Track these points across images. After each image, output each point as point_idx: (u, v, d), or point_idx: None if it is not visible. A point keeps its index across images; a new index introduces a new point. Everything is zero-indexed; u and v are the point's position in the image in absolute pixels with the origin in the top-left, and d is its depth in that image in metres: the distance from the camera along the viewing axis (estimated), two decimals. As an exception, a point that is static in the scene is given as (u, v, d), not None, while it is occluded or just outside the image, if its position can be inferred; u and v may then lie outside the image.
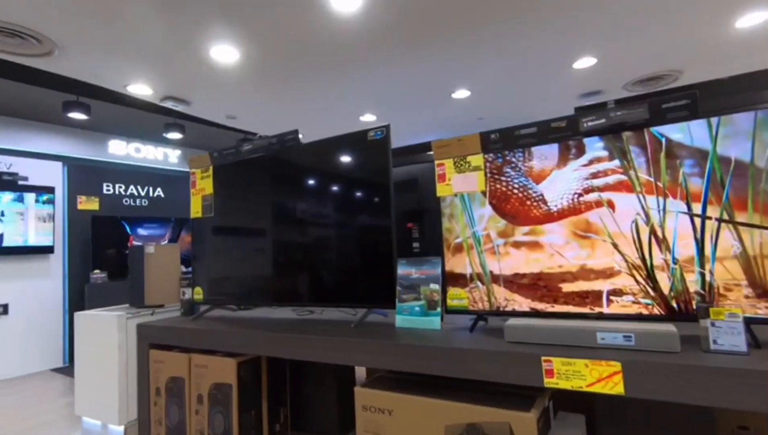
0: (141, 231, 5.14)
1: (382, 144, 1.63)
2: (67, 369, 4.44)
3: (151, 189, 5.64)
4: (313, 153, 1.82)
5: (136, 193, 5.47)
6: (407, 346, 1.26)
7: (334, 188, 1.74)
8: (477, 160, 1.41)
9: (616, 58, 3.42)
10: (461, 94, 4.11)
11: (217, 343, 1.76)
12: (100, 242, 4.74)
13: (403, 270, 1.54)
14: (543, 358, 1.03)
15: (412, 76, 3.61)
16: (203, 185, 2.30)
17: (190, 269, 2.34)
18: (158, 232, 5.33)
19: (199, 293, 2.22)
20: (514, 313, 1.30)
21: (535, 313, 1.27)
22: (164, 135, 5.18)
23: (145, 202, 5.56)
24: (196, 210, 2.30)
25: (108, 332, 2.12)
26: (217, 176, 2.24)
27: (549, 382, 1.02)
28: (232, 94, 3.79)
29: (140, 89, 3.55)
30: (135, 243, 5.06)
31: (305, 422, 2.04)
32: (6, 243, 4.17)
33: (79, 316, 2.32)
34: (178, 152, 5.96)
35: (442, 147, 1.48)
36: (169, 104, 3.88)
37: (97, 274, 4.58)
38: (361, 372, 2.29)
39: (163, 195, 5.77)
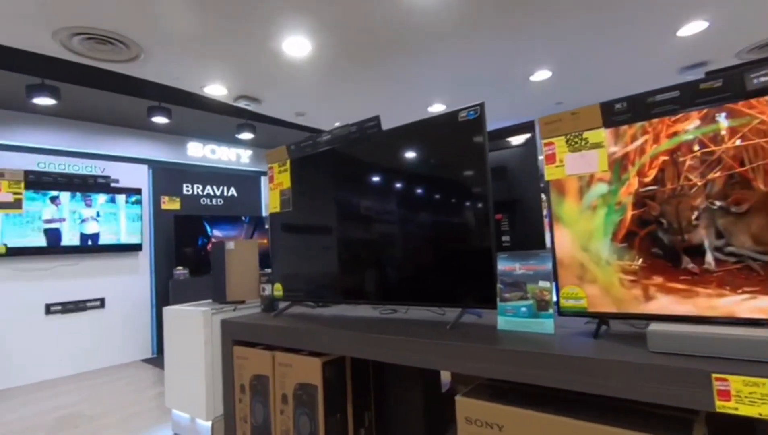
0: (217, 230, 5.39)
1: (475, 124, 1.47)
2: (156, 360, 4.75)
3: (225, 188, 5.90)
4: (397, 139, 1.71)
5: (212, 193, 5.75)
6: (522, 352, 1.10)
7: (422, 176, 1.62)
8: (596, 135, 1.21)
9: (733, 19, 2.96)
10: (541, 75, 3.82)
11: (301, 341, 1.70)
12: (182, 240, 5.03)
13: (504, 265, 1.38)
14: (714, 375, 0.82)
15: (488, 58, 3.39)
16: (281, 179, 2.28)
17: (268, 270, 2.34)
18: (233, 232, 5.56)
19: (278, 290, 2.20)
20: (651, 317, 1.09)
21: (680, 317, 1.05)
22: (237, 136, 5.39)
23: (220, 202, 5.82)
24: (274, 205, 2.29)
25: (194, 327, 2.17)
26: (295, 169, 2.21)
27: (724, 407, 0.81)
28: (301, 90, 3.82)
29: (216, 90, 3.67)
30: (213, 240, 5.31)
31: (390, 428, 1.94)
32: (102, 241, 4.54)
33: (167, 311, 2.42)
34: (249, 152, 6.19)
35: (552, 123, 1.29)
36: (242, 103, 4.00)
37: (180, 271, 4.86)
38: (444, 377, 2.15)
39: (236, 194, 6.02)
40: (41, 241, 4.15)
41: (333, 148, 1.98)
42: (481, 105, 1.47)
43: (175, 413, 2.34)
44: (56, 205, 4.26)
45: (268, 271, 2.77)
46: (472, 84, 3.97)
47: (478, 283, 1.43)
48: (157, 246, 5.12)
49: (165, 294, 5.01)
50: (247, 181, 6.21)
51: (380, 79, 3.68)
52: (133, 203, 4.81)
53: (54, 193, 4.25)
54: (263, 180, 6.47)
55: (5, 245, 3.94)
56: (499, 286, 1.38)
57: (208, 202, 5.70)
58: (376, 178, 1.77)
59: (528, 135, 1.85)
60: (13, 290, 4.05)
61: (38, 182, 4.18)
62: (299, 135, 6.99)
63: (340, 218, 1.94)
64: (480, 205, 1.44)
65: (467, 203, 1.48)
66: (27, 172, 4.12)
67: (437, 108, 4.56)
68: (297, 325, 1.77)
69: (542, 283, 1.28)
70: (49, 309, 4.24)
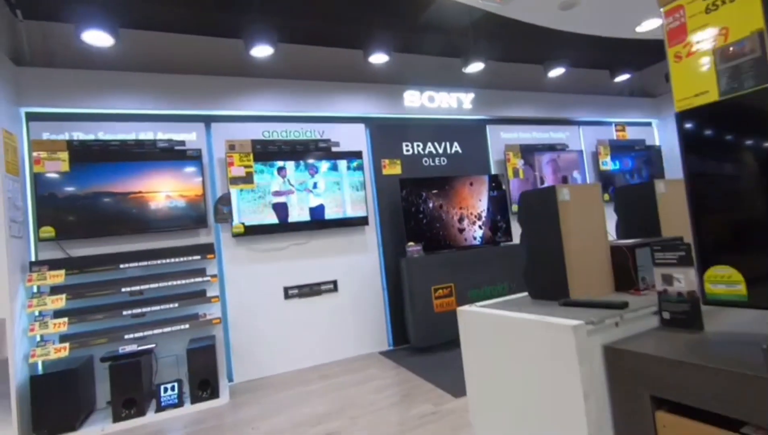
0: (446, 196, 4.53)
1: None
2: (394, 354, 4.21)
3: (448, 145, 5.02)
4: None
5: (434, 151, 4.93)
6: None
7: None
8: None
9: None
10: None
11: None
12: (411, 210, 4.32)
13: None
14: None
15: None
16: (720, 20, 1.02)
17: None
18: (470, 198, 4.63)
19: (722, 278, 0.98)
20: None
21: None
22: (463, 70, 4.39)
23: (443, 161, 4.97)
24: (694, 89, 1.06)
25: (549, 356, 1.13)
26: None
27: None
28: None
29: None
30: (438, 208, 4.47)
31: None
32: (328, 215, 4.16)
33: (465, 314, 1.48)
34: (471, 96, 5.14)
35: None
36: (489, 2, 2.88)
37: (413, 247, 4.17)
38: None
39: (460, 150, 5.08)
40: (272, 218, 3.94)
41: None
42: None
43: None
44: (282, 176, 4.01)
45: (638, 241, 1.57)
46: None
47: None
48: (383, 218, 4.56)
49: (396, 275, 4.43)
50: (471, 134, 5.21)
51: None
52: (354, 169, 4.31)
53: (280, 163, 4.00)
54: (489, 130, 5.35)
55: (243, 224, 3.82)
56: None
57: (431, 163, 4.90)
58: None
59: None
60: (254, 272, 3.97)
61: (264, 153, 3.97)
62: (528, 71, 5.62)
63: None
64: None
65: None
66: (254, 143, 3.94)
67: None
68: None
69: None
70: (287, 293, 4.06)
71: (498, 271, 4.49)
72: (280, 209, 4.00)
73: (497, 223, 4.79)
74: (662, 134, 6.85)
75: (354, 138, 4.50)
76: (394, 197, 4.54)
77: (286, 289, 4.06)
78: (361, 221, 4.33)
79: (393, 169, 4.68)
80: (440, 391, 3.06)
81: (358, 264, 4.41)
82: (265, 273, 4.01)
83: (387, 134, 4.72)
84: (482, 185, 4.79)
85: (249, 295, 3.93)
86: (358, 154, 4.36)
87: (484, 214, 4.72)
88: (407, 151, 4.80)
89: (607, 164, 6.12)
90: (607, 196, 6.04)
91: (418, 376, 3.43)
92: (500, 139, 5.43)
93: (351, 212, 4.28)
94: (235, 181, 3.81)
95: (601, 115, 6.26)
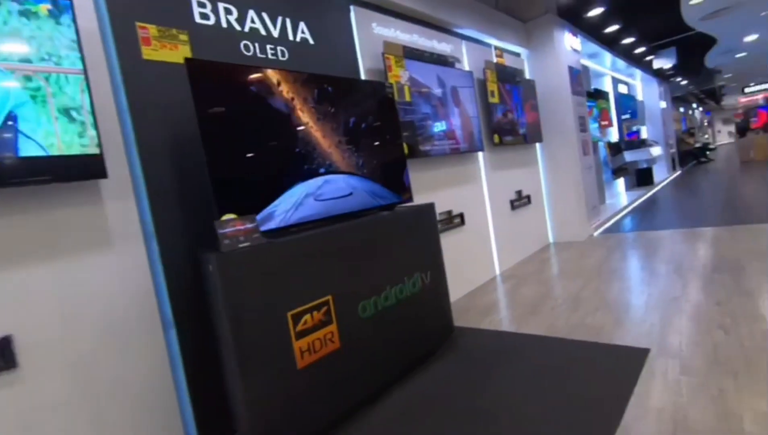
0: (298, 111, 2.19)
1: None
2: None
3: (289, 24, 2.64)
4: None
5: (263, 32, 2.49)
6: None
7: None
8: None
9: None
10: None
11: None
12: (222, 140, 1.85)
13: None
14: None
15: None
16: None
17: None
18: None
19: None
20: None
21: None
22: None
23: (283, 53, 2.58)
24: None
25: None
26: None
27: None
28: None
29: None
30: (282, 139, 2.12)
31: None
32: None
33: None
34: (325, -60, 2.82)
35: None
36: None
37: (236, 226, 1.72)
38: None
39: (311, 39, 2.76)
40: None
41: None
42: None
43: None
44: None
45: None
46: None
47: None
48: (150, 164, 1.96)
49: (192, 290, 1.94)
50: (328, 15, 2.93)
51: None
52: (49, 17, 1.57)
53: None
54: (356, 16, 3.15)
55: None
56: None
57: (258, 52, 2.46)
58: None
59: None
60: None
61: None
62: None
63: None
64: None
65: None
66: None
67: None
68: None
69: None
70: None
71: (402, 256, 2.42)
72: None
73: (389, 170, 2.68)
74: (531, 67, 5.74)
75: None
76: (176, 112, 1.99)
77: None
78: (84, 170, 1.66)
79: (170, 51, 2.07)
80: None
81: (84, 279, 1.75)
82: None
83: (150, -33, 2.06)
84: (358, 99, 2.58)
85: None
86: (58, -15, 1.63)
87: (365, 154, 2.54)
88: (203, 16, 2.24)
89: (495, 95, 4.61)
90: (497, 139, 4.56)
91: None
92: (373, 36, 3.28)
93: (56, 147, 1.57)
94: None
95: (481, 31, 4.68)
